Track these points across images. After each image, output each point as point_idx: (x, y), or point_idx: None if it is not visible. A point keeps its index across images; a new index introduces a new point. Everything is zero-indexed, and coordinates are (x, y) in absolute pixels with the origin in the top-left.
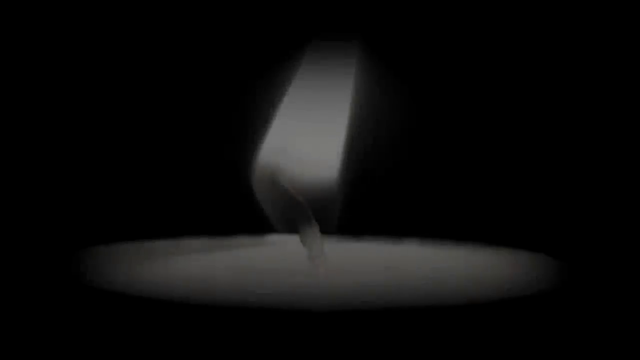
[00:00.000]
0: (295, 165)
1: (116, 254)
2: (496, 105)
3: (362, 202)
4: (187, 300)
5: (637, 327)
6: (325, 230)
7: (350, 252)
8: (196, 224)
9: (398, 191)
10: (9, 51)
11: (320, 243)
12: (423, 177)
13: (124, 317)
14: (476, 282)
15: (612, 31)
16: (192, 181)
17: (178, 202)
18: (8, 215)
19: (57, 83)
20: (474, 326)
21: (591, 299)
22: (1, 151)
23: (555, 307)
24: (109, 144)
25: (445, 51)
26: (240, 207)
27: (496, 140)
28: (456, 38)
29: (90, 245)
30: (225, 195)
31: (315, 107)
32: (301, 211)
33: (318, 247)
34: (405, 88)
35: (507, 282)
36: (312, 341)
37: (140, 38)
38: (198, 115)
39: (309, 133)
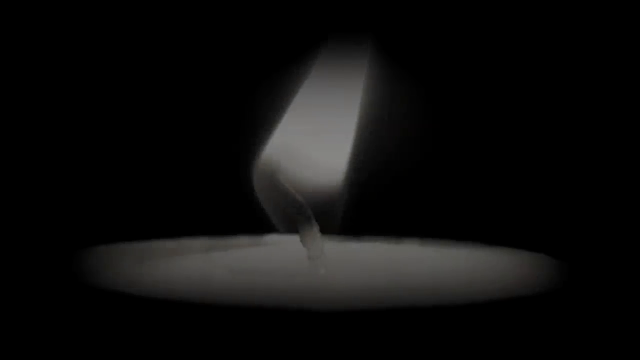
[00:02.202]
0: (297, 165)
1: (116, 254)
2: (496, 106)
3: (363, 202)
4: (187, 300)
5: (637, 327)
6: (327, 231)
7: (350, 252)
8: (196, 224)
9: (398, 191)
10: (9, 51)
11: (320, 243)
12: (423, 178)
13: (124, 317)
14: (476, 282)
15: (612, 33)
16: (192, 181)
17: (178, 202)
18: (8, 215)
19: (57, 83)
20: (474, 326)
21: (592, 299)
22: (1, 151)
23: (555, 307)
24: (109, 144)
25: (449, 52)
26: (240, 207)
27: (497, 141)
28: (465, 40)
29: (90, 245)
30: (225, 195)
31: (324, 109)
32: (301, 211)
33: (318, 247)
34: (410, 89)
35: (508, 282)
36: (312, 341)
37: (143, 37)
38: (198, 115)
39: (315, 134)
